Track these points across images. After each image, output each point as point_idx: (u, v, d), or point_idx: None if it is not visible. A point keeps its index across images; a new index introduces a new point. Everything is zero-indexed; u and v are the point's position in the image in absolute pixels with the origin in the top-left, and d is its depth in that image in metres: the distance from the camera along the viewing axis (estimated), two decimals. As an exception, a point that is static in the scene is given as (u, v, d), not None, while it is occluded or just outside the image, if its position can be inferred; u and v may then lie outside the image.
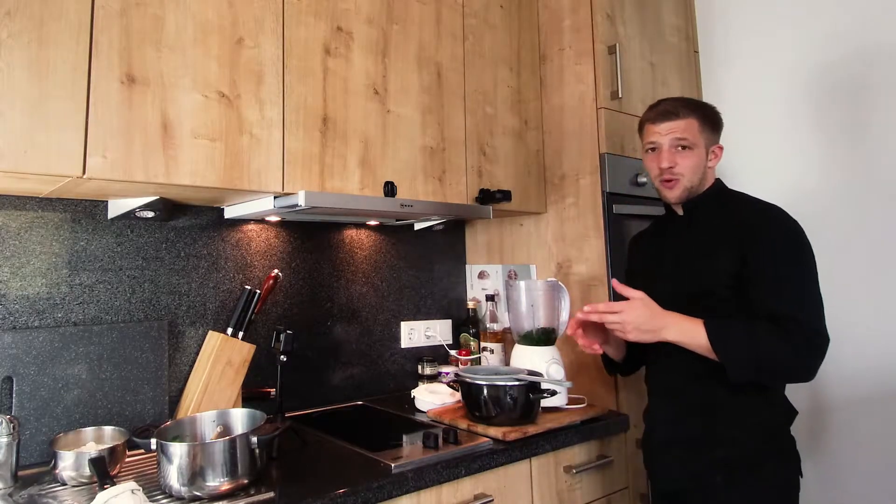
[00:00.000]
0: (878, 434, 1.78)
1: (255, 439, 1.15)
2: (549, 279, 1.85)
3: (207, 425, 1.31)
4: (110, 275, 1.50)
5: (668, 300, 1.28)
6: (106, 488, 1.03)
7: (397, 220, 1.96)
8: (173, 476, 1.09)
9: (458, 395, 1.64)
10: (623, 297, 1.30)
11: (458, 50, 1.83)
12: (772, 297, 1.22)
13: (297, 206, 1.41)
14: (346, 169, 1.53)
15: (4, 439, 1.15)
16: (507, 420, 1.49)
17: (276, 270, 1.71)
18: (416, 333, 2.10)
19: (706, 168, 1.38)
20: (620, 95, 1.87)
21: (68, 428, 1.33)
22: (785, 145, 2.05)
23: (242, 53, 1.37)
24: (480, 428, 1.49)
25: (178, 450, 1.09)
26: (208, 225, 1.67)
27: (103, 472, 1.12)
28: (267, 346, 1.70)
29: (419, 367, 2.05)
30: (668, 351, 1.33)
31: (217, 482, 1.10)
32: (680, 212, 1.43)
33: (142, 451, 1.33)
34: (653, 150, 1.39)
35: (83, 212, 1.47)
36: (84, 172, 1.14)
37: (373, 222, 1.99)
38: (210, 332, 1.61)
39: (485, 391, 1.50)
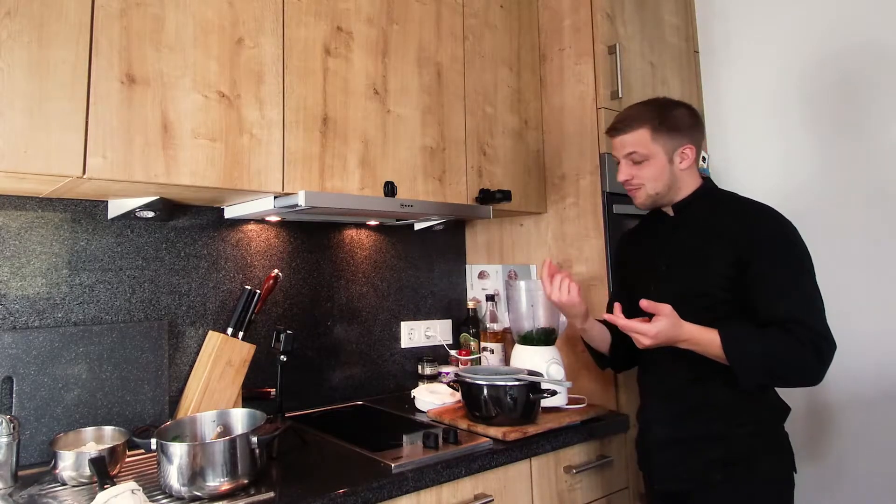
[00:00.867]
0: (877, 434, 1.78)
1: (255, 439, 1.15)
2: (549, 279, 1.84)
3: (207, 425, 1.31)
4: (110, 275, 1.50)
5: (666, 302, 1.28)
6: (106, 488, 1.03)
7: (397, 220, 1.96)
8: (173, 476, 1.09)
9: (458, 395, 1.64)
10: (620, 298, 1.30)
11: (458, 50, 1.83)
12: (777, 302, 1.22)
13: (297, 206, 1.41)
14: (346, 169, 1.53)
15: (4, 439, 1.15)
16: (507, 420, 1.49)
17: (276, 270, 1.71)
18: (416, 333, 2.10)
19: (675, 172, 1.35)
20: (620, 95, 1.87)
21: (68, 428, 1.33)
22: (785, 144, 2.05)
23: (242, 53, 1.37)
24: (480, 428, 1.49)
25: (178, 450, 1.09)
26: (208, 225, 1.67)
27: (103, 472, 1.12)
28: (267, 346, 1.70)
29: (419, 367, 2.05)
30: (662, 350, 1.33)
31: (217, 482, 1.10)
32: (670, 212, 1.43)
33: (142, 451, 1.33)
34: (617, 163, 1.41)
35: (83, 212, 1.47)
36: (84, 172, 1.14)
37: (373, 222, 1.99)
38: (210, 332, 1.61)
39: (485, 391, 1.50)
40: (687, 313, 1.25)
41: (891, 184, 1.80)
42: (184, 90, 1.28)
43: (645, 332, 1.23)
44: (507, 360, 1.95)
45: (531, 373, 1.56)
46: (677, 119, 1.36)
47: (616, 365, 1.58)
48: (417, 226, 2.10)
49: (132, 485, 1.03)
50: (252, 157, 1.37)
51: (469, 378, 1.53)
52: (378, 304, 2.02)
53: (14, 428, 1.17)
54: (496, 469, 1.39)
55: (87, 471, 1.16)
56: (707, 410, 1.30)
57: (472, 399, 1.53)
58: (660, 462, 1.38)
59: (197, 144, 1.29)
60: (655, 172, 1.35)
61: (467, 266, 2.28)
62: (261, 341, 1.69)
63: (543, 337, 1.67)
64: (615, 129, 1.39)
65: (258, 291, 1.64)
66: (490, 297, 2.09)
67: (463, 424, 1.54)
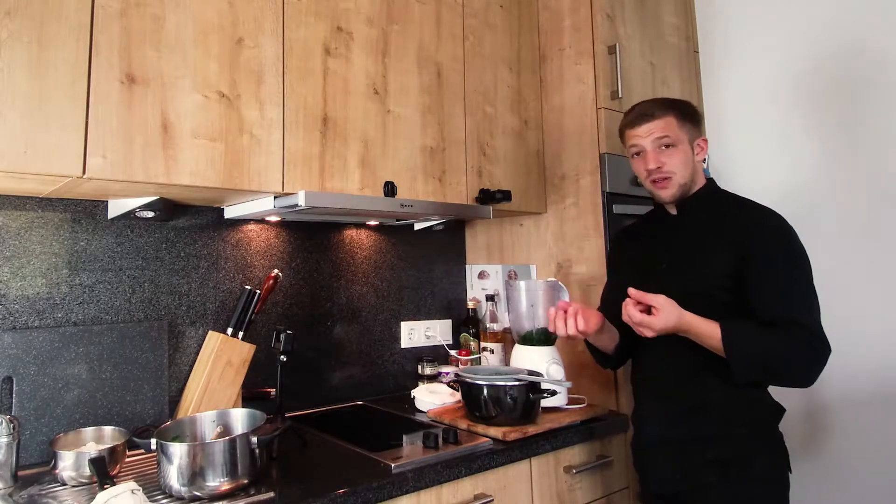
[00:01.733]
0: (875, 434, 1.78)
1: (255, 439, 1.15)
2: (549, 279, 1.85)
3: (207, 425, 1.31)
4: (110, 275, 1.50)
5: None
6: (106, 488, 1.03)
7: (397, 220, 1.96)
8: (173, 476, 1.09)
9: (458, 395, 1.64)
10: (613, 294, 1.29)
11: (458, 50, 1.83)
12: (775, 303, 1.23)
13: (297, 206, 1.41)
14: (346, 169, 1.53)
15: (4, 439, 1.15)
16: (507, 420, 1.49)
17: (276, 270, 1.71)
18: (416, 333, 2.10)
19: (695, 163, 1.38)
20: (620, 95, 1.87)
21: (68, 428, 1.33)
22: (785, 144, 2.04)
23: (242, 53, 1.37)
24: (480, 428, 1.49)
25: (178, 450, 1.09)
26: (208, 225, 1.67)
27: (103, 472, 1.12)
28: (267, 346, 1.70)
29: (419, 367, 2.05)
30: (656, 351, 1.33)
31: (217, 482, 1.10)
32: (673, 211, 1.43)
33: (142, 451, 1.33)
34: (637, 154, 1.40)
35: (83, 212, 1.47)
36: (84, 172, 1.14)
37: (373, 222, 1.99)
38: (210, 332, 1.61)
39: (485, 391, 1.50)
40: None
41: (891, 184, 1.80)
42: (184, 90, 1.28)
43: (650, 325, 1.23)
44: (507, 360, 1.94)
45: (531, 373, 1.56)
46: (693, 111, 1.40)
47: (615, 363, 1.58)
48: (417, 226, 2.10)
49: (132, 485, 1.03)
50: (252, 157, 1.37)
51: (469, 378, 1.53)
52: (378, 304, 2.02)
53: (14, 428, 1.17)
54: (496, 469, 1.39)
55: (87, 471, 1.15)
56: (701, 411, 1.31)
57: (472, 399, 1.53)
58: (654, 463, 1.38)
59: (197, 144, 1.29)
60: (683, 160, 1.35)
61: (467, 266, 2.28)
62: (261, 341, 1.69)
63: (543, 337, 1.67)
64: (641, 117, 1.36)
65: (258, 291, 1.64)
66: (490, 297, 2.09)
67: (463, 424, 1.54)
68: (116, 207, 1.48)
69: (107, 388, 1.42)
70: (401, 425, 1.61)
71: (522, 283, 1.70)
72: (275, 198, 1.47)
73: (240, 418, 1.32)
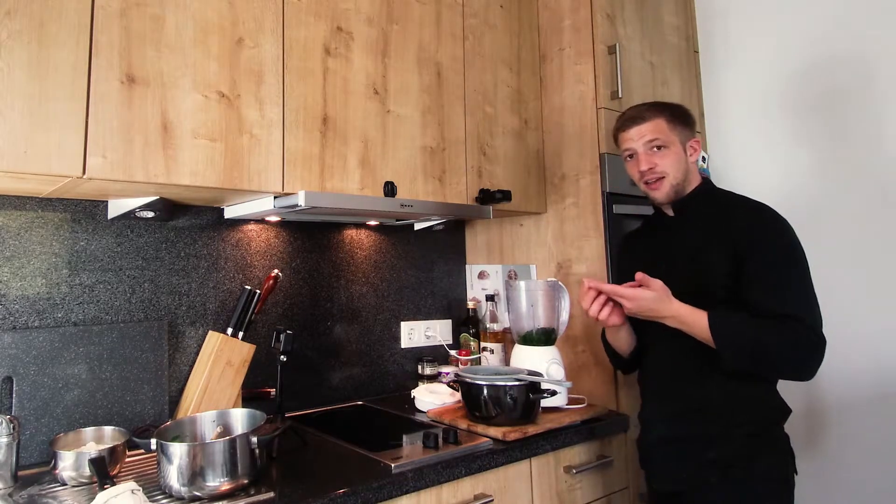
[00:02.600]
0: (875, 434, 1.78)
1: (255, 439, 1.15)
2: (549, 279, 1.85)
3: (207, 425, 1.31)
4: (110, 275, 1.50)
5: None
6: (106, 488, 1.03)
7: (397, 220, 1.96)
8: (173, 476, 1.09)
9: (458, 395, 1.64)
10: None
11: (458, 50, 1.83)
12: (771, 298, 1.23)
13: (297, 206, 1.41)
14: (346, 169, 1.53)
15: (4, 439, 1.15)
16: (507, 420, 1.49)
17: (276, 270, 1.71)
18: (416, 333, 2.10)
19: (688, 163, 1.39)
20: (620, 95, 1.86)
21: (68, 428, 1.33)
22: (785, 144, 2.05)
23: (242, 53, 1.37)
24: (480, 428, 1.49)
25: (178, 450, 1.09)
26: (208, 225, 1.67)
27: (103, 472, 1.12)
28: (267, 346, 1.70)
29: (419, 367, 2.05)
30: (660, 351, 1.33)
31: (217, 482, 1.10)
32: (670, 212, 1.44)
33: (142, 451, 1.33)
34: (630, 157, 1.42)
35: (83, 212, 1.47)
36: (84, 172, 1.14)
37: (373, 222, 1.99)
38: (210, 332, 1.61)
39: (485, 391, 1.50)
40: None
41: (889, 184, 1.80)
42: (184, 90, 1.28)
43: (625, 296, 1.26)
44: (507, 360, 1.95)
45: (531, 373, 1.56)
46: (684, 113, 1.41)
47: (628, 367, 1.58)
48: (417, 226, 2.10)
49: (132, 485, 1.03)
50: (252, 157, 1.37)
51: (469, 378, 1.53)
52: (378, 304, 2.02)
53: (14, 428, 1.17)
54: (496, 469, 1.39)
55: (87, 471, 1.15)
56: (705, 411, 1.31)
57: (472, 399, 1.53)
58: (658, 462, 1.38)
59: (197, 144, 1.29)
60: (674, 161, 1.37)
61: (467, 266, 2.28)
62: (261, 341, 1.69)
63: (543, 337, 1.67)
64: (631, 121, 1.39)
65: (258, 291, 1.64)
66: (490, 297, 2.09)
67: (463, 424, 1.54)
68: (116, 207, 1.48)
69: (107, 388, 1.42)
70: (401, 425, 1.61)
71: (522, 283, 1.70)
72: (275, 198, 1.47)
73: (240, 418, 1.32)
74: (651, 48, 2.07)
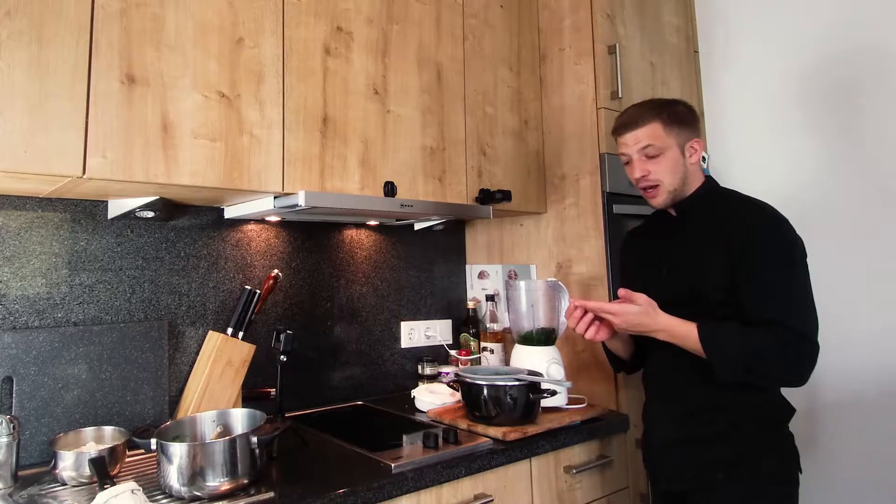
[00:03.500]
0: (875, 434, 1.78)
1: (255, 439, 1.15)
2: (549, 279, 1.84)
3: (207, 425, 1.31)
4: (110, 275, 1.50)
5: (666, 304, 1.28)
6: (106, 488, 1.03)
7: (397, 220, 1.96)
8: (173, 476, 1.09)
9: (458, 395, 1.64)
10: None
11: (458, 50, 1.83)
12: (760, 301, 1.22)
13: (297, 206, 1.41)
14: (346, 169, 1.53)
15: (4, 439, 1.15)
16: (507, 420, 1.49)
17: (276, 270, 1.71)
18: (416, 333, 2.10)
19: (687, 166, 1.36)
20: (620, 95, 1.87)
21: (68, 428, 1.33)
22: (785, 144, 2.05)
23: (242, 53, 1.37)
24: (480, 428, 1.49)
25: (178, 450, 1.09)
26: (208, 225, 1.67)
27: (103, 472, 1.12)
28: (267, 346, 1.70)
29: (419, 367, 2.05)
30: (665, 351, 1.33)
31: (217, 482, 1.10)
32: (673, 213, 1.43)
33: (142, 451, 1.33)
34: (627, 162, 1.40)
35: (83, 212, 1.47)
36: (84, 172, 1.14)
37: (373, 222, 1.99)
38: (210, 332, 1.61)
39: (485, 391, 1.50)
40: (685, 316, 1.26)
41: (891, 183, 1.80)
42: (184, 90, 1.28)
43: (611, 311, 1.26)
44: (507, 360, 1.95)
45: (531, 373, 1.56)
46: (683, 114, 1.38)
47: (630, 369, 1.58)
48: (417, 226, 2.10)
49: (132, 485, 1.03)
50: (252, 157, 1.37)
51: (469, 378, 1.53)
52: (378, 304, 2.02)
53: (14, 428, 1.17)
54: (496, 469, 1.39)
55: (87, 471, 1.16)
56: (709, 411, 1.30)
57: (472, 399, 1.53)
58: (662, 461, 1.38)
59: (197, 144, 1.29)
60: (670, 166, 1.34)
61: (467, 266, 2.28)
62: (261, 341, 1.69)
63: (543, 337, 1.67)
64: (625, 126, 1.37)
65: (258, 291, 1.64)
66: (490, 297, 2.09)
67: (463, 424, 1.53)
68: (116, 207, 1.48)
69: (107, 388, 1.42)
70: (401, 425, 1.61)
71: (522, 283, 1.70)
72: (275, 198, 1.47)
73: (240, 418, 1.32)
74: (651, 48, 2.07)
